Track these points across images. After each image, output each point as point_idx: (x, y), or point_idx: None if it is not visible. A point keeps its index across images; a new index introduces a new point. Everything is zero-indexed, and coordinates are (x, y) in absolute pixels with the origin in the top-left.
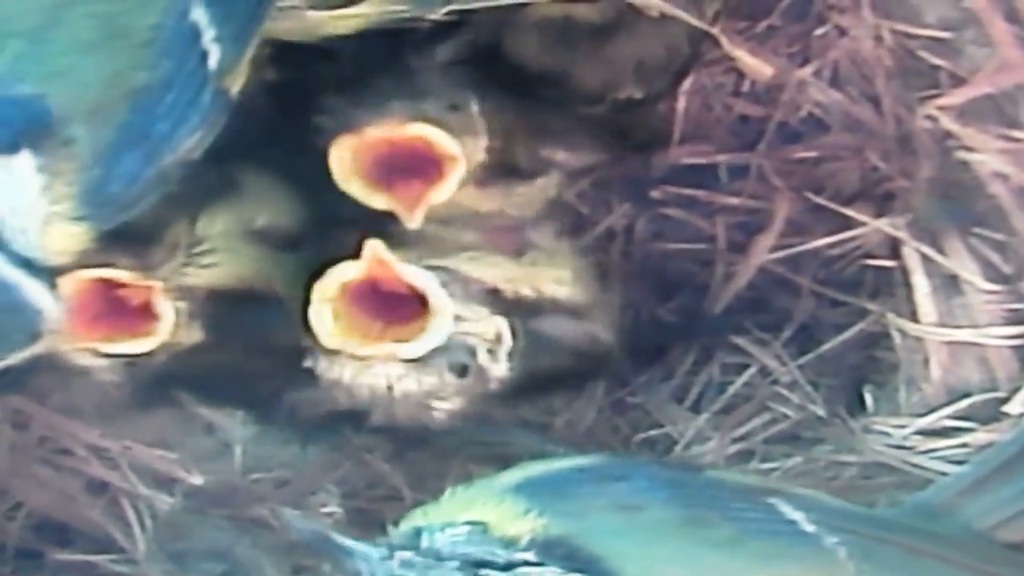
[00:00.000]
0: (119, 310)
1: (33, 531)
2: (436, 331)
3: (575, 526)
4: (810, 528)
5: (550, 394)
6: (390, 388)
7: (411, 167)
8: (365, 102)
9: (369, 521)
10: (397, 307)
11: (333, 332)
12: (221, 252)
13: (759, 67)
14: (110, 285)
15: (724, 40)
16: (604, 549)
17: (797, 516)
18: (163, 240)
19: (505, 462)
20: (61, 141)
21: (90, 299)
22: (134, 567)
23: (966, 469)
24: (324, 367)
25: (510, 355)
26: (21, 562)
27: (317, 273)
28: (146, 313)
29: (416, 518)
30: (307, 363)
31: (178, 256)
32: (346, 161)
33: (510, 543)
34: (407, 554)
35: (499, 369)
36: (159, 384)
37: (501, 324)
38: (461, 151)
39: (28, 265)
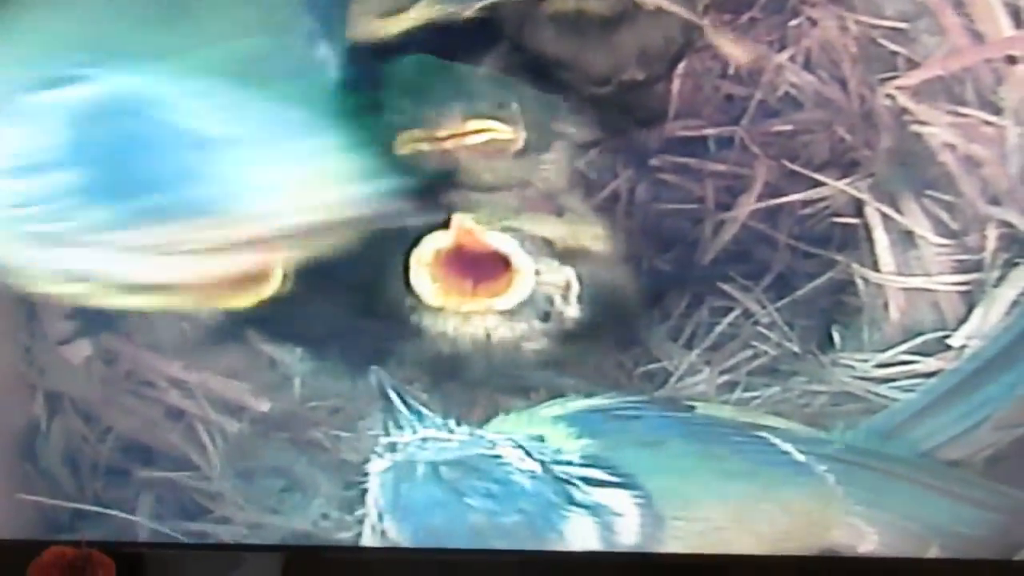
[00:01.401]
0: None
1: (121, 452)
2: (522, 285)
3: (614, 455)
4: (801, 458)
5: (608, 335)
6: (488, 336)
7: None
8: (427, 102)
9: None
10: (484, 267)
11: (435, 292)
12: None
13: (735, 53)
14: None
15: (711, 30)
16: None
17: (788, 447)
18: None
19: (525, 393)
20: None
21: None
22: (207, 483)
23: (912, 397)
24: (429, 322)
25: (579, 298)
26: (111, 478)
27: (414, 242)
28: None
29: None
30: (414, 319)
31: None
32: None
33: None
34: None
35: (572, 310)
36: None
37: (569, 273)
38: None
39: None
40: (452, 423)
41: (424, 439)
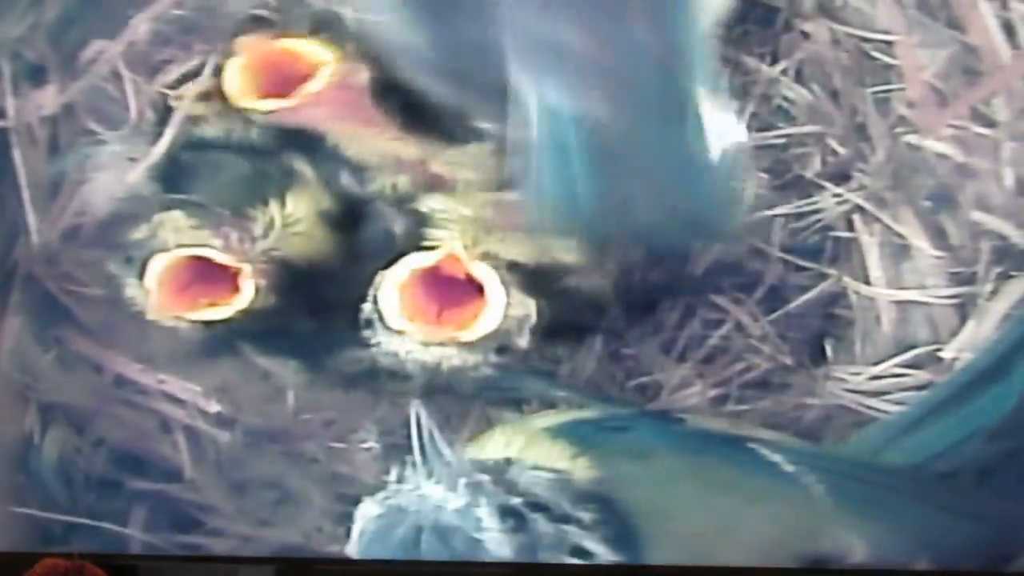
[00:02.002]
0: (205, 283)
1: (114, 463)
2: (490, 319)
3: (607, 473)
4: (789, 469)
5: (563, 345)
6: (438, 364)
7: None
8: None
9: (402, 454)
10: (455, 294)
11: (399, 313)
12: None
13: None
14: (203, 262)
15: None
16: (629, 498)
17: (776, 458)
18: (255, 222)
19: (517, 405)
20: None
21: (181, 274)
22: (199, 494)
23: (904, 410)
24: (384, 340)
25: (531, 330)
26: (104, 490)
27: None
28: (231, 286)
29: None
30: (367, 333)
31: (270, 237)
32: None
33: (565, 480)
34: (485, 478)
35: (523, 341)
36: (228, 340)
37: (530, 305)
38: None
39: None
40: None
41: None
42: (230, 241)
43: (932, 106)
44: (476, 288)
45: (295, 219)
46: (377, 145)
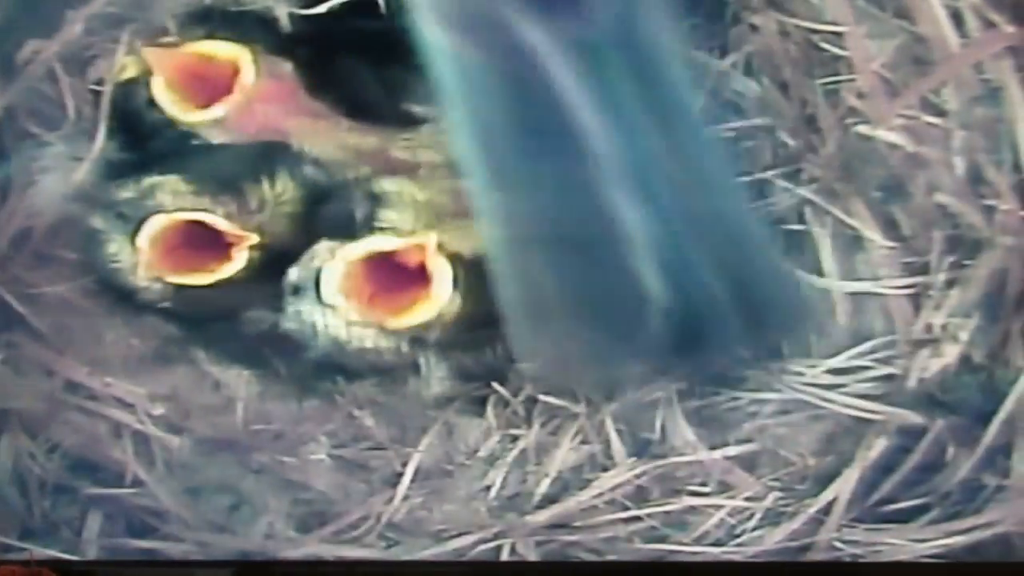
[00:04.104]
0: (195, 248)
1: (68, 469)
2: (425, 313)
3: None
4: None
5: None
6: (349, 341)
7: None
8: None
9: (354, 468)
10: (395, 280)
11: (338, 290)
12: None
13: None
14: (197, 227)
15: None
16: None
17: None
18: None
19: (481, 413)
20: None
21: (172, 236)
22: (154, 500)
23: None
24: (306, 310)
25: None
26: (59, 496)
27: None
28: (223, 255)
29: None
30: (289, 299)
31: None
32: None
33: None
34: None
35: (435, 334)
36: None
37: (455, 300)
38: None
39: None
40: None
41: None
42: (231, 210)
43: (882, 96)
44: (422, 280)
45: (285, 198)
46: (335, 137)
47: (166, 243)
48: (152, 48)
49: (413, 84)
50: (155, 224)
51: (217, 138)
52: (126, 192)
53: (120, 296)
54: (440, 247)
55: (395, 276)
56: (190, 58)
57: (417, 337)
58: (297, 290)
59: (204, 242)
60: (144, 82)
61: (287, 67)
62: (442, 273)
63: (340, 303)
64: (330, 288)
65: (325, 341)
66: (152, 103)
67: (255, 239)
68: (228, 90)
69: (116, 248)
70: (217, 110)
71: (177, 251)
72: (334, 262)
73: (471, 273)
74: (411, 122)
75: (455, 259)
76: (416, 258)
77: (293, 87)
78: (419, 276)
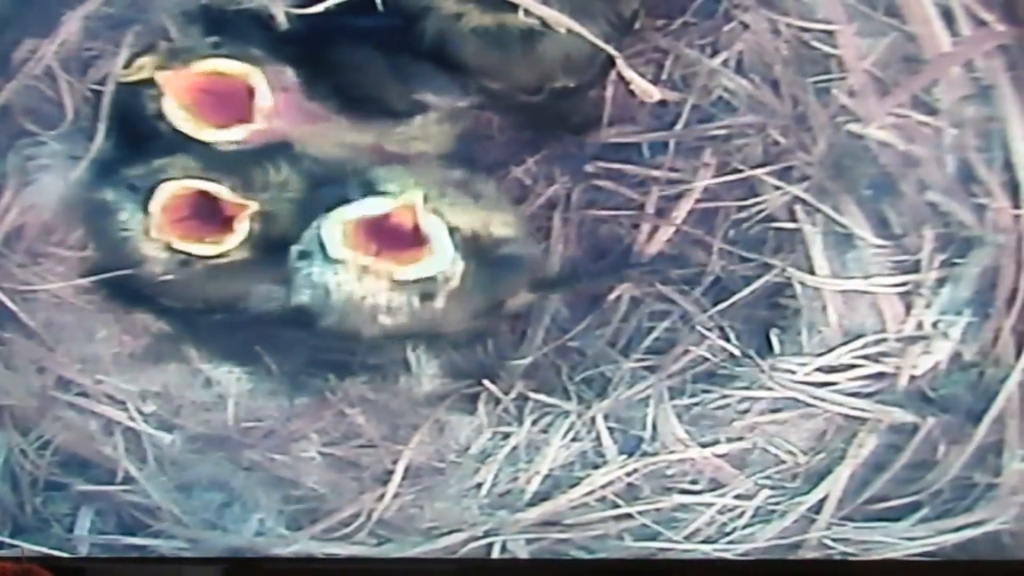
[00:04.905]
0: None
1: (59, 466)
2: (430, 267)
3: None
4: None
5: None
6: (364, 297)
7: None
8: None
9: (345, 465)
10: (395, 240)
11: (343, 245)
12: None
13: (647, 89)
14: (204, 198)
15: (622, 63)
16: None
17: None
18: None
19: (472, 411)
20: None
21: (181, 205)
22: (145, 497)
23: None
24: (318, 271)
25: (448, 295)
26: (50, 492)
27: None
28: (226, 227)
29: None
30: (299, 265)
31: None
32: None
33: None
34: None
35: (439, 302)
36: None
37: (459, 267)
38: None
39: None
40: None
41: None
42: (236, 185)
43: (873, 95)
44: (419, 241)
45: (286, 183)
46: (332, 137)
47: (174, 211)
48: (164, 72)
49: (408, 78)
50: (165, 191)
51: (226, 147)
52: (137, 170)
53: (120, 280)
54: (435, 212)
55: (395, 238)
56: (201, 78)
57: (427, 292)
58: (304, 255)
59: (208, 213)
60: (152, 95)
61: (288, 73)
62: (437, 229)
63: (347, 256)
64: (334, 244)
65: (338, 301)
66: (161, 115)
67: (255, 207)
68: (241, 108)
69: (127, 216)
70: (236, 133)
71: (184, 221)
72: (331, 223)
73: (470, 245)
74: (405, 115)
75: (453, 231)
76: (409, 219)
77: (296, 95)
78: (417, 237)
